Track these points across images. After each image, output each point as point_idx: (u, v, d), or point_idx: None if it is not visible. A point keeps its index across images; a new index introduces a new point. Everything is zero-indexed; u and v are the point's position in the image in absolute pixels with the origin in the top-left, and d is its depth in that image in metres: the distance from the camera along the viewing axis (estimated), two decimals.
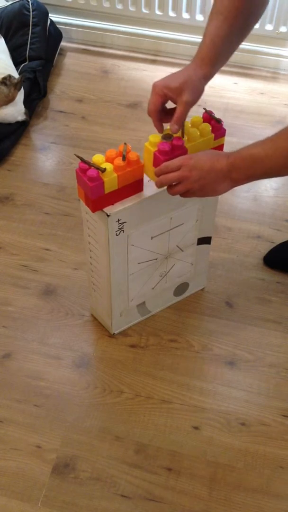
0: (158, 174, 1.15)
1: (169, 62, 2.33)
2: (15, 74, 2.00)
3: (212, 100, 2.14)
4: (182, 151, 1.16)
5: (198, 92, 1.16)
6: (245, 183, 1.13)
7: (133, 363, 1.46)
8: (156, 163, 1.16)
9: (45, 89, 2.14)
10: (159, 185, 1.16)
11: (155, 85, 1.15)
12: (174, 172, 1.13)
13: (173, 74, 1.16)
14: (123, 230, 1.24)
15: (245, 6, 1.15)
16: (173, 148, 1.15)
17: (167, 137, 1.16)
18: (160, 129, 1.18)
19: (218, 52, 1.16)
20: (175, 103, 1.15)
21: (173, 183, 1.15)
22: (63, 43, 2.37)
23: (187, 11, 2.22)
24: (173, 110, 1.16)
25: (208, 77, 1.17)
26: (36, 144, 2.02)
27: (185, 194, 1.16)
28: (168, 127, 1.16)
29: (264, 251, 1.68)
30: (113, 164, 1.14)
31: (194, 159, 1.12)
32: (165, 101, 1.17)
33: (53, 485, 1.26)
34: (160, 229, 1.32)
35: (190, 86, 1.13)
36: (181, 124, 1.16)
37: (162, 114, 1.18)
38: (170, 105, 1.18)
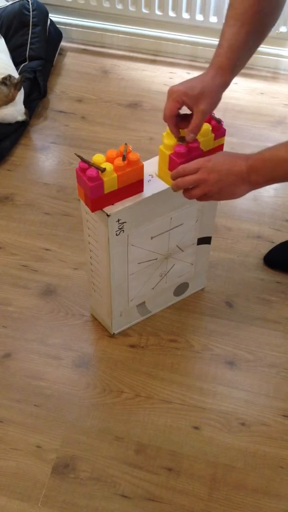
0: (174, 177, 1.12)
1: (169, 62, 2.33)
2: (15, 74, 2.00)
3: None
4: (198, 152, 1.13)
5: (215, 101, 1.13)
6: (264, 186, 1.10)
7: (133, 363, 1.46)
8: (172, 166, 1.13)
9: (45, 89, 2.14)
10: (175, 188, 1.13)
11: (173, 91, 1.12)
12: (191, 175, 1.09)
13: (191, 81, 1.13)
14: (123, 230, 1.24)
15: (263, 10, 1.12)
16: (189, 150, 1.12)
17: (182, 139, 1.14)
18: (177, 134, 1.15)
19: (236, 59, 1.13)
20: (191, 110, 1.13)
21: (190, 186, 1.11)
22: (63, 43, 2.37)
23: (187, 11, 2.22)
24: (188, 116, 1.14)
25: (226, 84, 1.14)
26: (36, 144, 2.02)
27: (202, 197, 1.12)
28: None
29: (264, 251, 1.68)
30: (113, 164, 1.14)
31: (212, 161, 1.09)
32: (181, 107, 1.14)
33: (53, 485, 1.26)
34: (160, 229, 1.32)
35: (208, 95, 1.11)
36: (197, 133, 1.14)
37: (177, 120, 1.15)
38: (183, 110, 1.15)
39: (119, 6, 2.28)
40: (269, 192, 1.86)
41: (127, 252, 1.30)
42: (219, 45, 1.13)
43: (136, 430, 1.34)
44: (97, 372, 1.44)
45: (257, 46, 1.17)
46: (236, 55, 1.12)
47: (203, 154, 1.16)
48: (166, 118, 1.14)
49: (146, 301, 1.49)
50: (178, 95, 1.11)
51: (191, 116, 1.13)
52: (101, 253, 1.30)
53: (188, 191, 1.12)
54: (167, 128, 1.21)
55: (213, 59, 1.14)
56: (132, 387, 1.42)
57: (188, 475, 1.28)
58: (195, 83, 1.12)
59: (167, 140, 1.13)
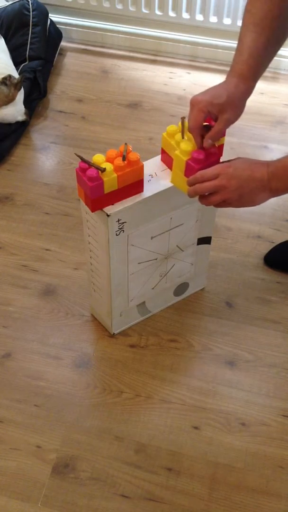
0: (192, 183, 1.09)
1: (169, 62, 2.33)
2: (15, 74, 2.00)
3: None
4: (216, 158, 1.11)
5: (240, 110, 1.12)
6: (283, 194, 1.08)
7: (133, 363, 1.46)
8: (189, 172, 1.10)
9: (45, 89, 2.14)
10: (192, 194, 1.10)
11: (197, 101, 1.10)
12: (211, 181, 1.07)
13: (214, 89, 1.11)
14: (123, 230, 1.24)
15: (282, 15, 1.10)
16: (207, 155, 1.09)
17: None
18: (200, 144, 1.13)
19: (257, 66, 1.12)
20: (216, 120, 1.11)
21: (208, 193, 1.09)
22: (63, 43, 2.37)
23: (187, 11, 2.22)
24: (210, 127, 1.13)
25: (249, 92, 1.13)
26: (36, 144, 2.02)
27: (220, 204, 1.10)
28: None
29: (264, 251, 1.68)
30: (113, 164, 1.14)
31: (232, 167, 1.07)
32: (206, 117, 1.12)
33: (53, 485, 1.26)
34: (160, 229, 1.32)
35: (233, 104, 1.10)
36: (217, 140, 1.13)
37: (203, 130, 1.13)
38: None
39: (119, 6, 2.28)
40: None
41: (127, 252, 1.30)
42: (239, 52, 1.12)
43: (136, 430, 1.34)
44: (97, 372, 1.44)
45: (277, 51, 1.16)
46: (256, 62, 1.11)
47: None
48: (192, 129, 1.12)
49: (146, 301, 1.49)
50: (204, 105, 1.09)
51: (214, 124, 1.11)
52: (101, 253, 1.30)
53: (205, 197, 1.10)
54: (168, 128, 1.21)
55: (233, 66, 1.12)
56: (132, 387, 1.42)
57: (188, 475, 1.28)
58: (219, 92, 1.10)
59: (184, 145, 1.10)
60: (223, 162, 1.11)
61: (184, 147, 1.11)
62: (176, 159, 1.13)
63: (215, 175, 1.07)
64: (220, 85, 1.12)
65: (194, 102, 1.10)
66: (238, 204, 1.10)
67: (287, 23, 1.13)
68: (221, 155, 1.27)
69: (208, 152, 1.10)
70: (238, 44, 1.12)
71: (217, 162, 1.11)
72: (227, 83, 1.12)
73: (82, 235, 1.37)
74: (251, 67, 1.11)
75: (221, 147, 1.26)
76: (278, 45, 1.15)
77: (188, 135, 1.19)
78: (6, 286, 1.62)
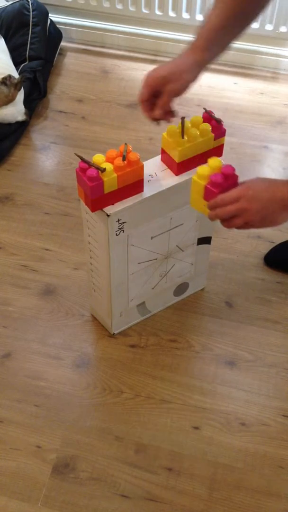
0: (213, 207, 1.08)
1: None
2: (15, 74, 2.00)
3: (212, 100, 2.14)
4: (234, 179, 1.10)
5: (186, 81, 1.14)
6: None
7: (133, 363, 1.46)
8: (209, 196, 1.09)
9: (45, 89, 2.14)
10: (214, 218, 1.10)
11: (145, 77, 1.16)
12: (232, 205, 1.06)
13: (163, 64, 1.16)
14: (123, 230, 1.24)
15: None
16: (225, 178, 1.08)
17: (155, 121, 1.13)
18: (150, 118, 1.17)
19: (212, 38, 1.14)
20: (162, 92, 1.15)
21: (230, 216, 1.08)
22: (63, 43, 2.37)
23: (187, 11, 2.22)
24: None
25: (200, 63, 1.15)
26: (36, 144, 2.02)
27: (243, 226, 1.09)
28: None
29: (264, 251, 1.68)
30: (113, 164, 1.14)
31: (252, 189, 1.06)
32: (155, 91, 1.15)
33: (53, 485, 1.26)
34: (160, 229, 1.32)
35: (177, 75, 1.13)
36: (169, 115, 1.16)
37: (150, 104, 1.16)
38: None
39: (119, 6, 2.28)
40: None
41: (127, 252, 1.30)
42: (201, 26, 1.15)
43: (136, 430, 1.34)
44: (97, 372, 1.44)
45: (241, 30, 1.17)
46: (215, 35, 1.13)
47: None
48: (138, 102, 1.17)
49: (146, 301, 1.49)
50: (149, 80, 1.14)
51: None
52: (101, 253, 1.30)
53: (227, 220, 1.09)
54: (168, 128, 1.21)
55: (193, 39, 1.15)
56: (132, 387, 1.42)
57: (188, 475, 1.28)
58: (166, 65, 1.14)
59: (201, 170, 1.09)
60: (241, 183, 1.10)
61: (201, 171, 1.09)
62: (194, 184, 1.11)
63: (235, 199, 1.06)
64: (173, 59, 1.16)
65: (143, 78, 1.15)
66: (260, 226, 1.09)
67: (252, 4, 1.15)
68: (221, 154, 1.28)
69: (226, 174, 1.09)
70: (204, 19, 1.15)
71: (236, 183, 1.10)
72: (179, 55, 1.15)
73: (82, 235, 1.37)
74: (206, 39, 1.13)
75: (221, 147, 1.26)
76: (242, 23, 1.16)
77: (187, 135, 1.19)
78: (6, 286, 1.62)
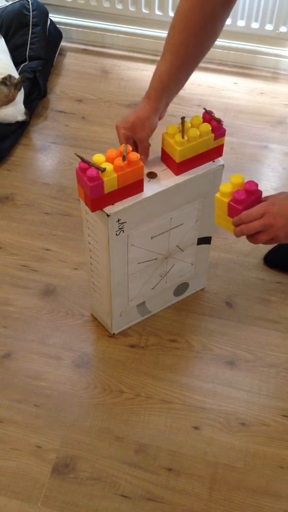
0: (237, 224, 1.10)
1: None
2: (15, 74, 2.00)
3: (212, 100, 2.14)
4: (257, 195, 1.11)
5: (148, 127, 1.21)
6: None
7: (133, 363, 1.46)
8: (233, 213, 1.10)
9: (45, 89, 2.14)
10: (239, 235, 1.11)
11: (116, 127, 1.23)
12: (256, 221, 1.07)
13: (127, 115, 1.23)
14: (123, 230, 1.24)
15: (197, 43, 1.19)
16: (248, 194, 1.09)
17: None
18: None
19: (164, 89, 1.21)
20: (134, 140, 1.23)
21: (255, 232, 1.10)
22: (63, 43, 2.37)
23: None
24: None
25: (155, 111, 1.22)
26: (36, 144, 2.02)
27: (269, 241, 1.11)
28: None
29: (264, 251, 1.68)
30: (113, 164, 1.14)
31: (276, 205, 1.08)
32: (128, 138, 1.22)
33: (53, 485, 1.26)
34: (160, 229, 1.32)
35: (139, 124, 1.20)
36: (147, 155, 1.24)
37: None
38: None
39: (119, 6, 2.28)
40: (269, 192, 1.85)
41: (127, 252, 1.30)
42: (152, 76, 1.22)
43: (136, 430, 1.34)
44: (97, 372, 1.44)
45: (189, 75, 1.25)
46: (164, 86, 1.21)
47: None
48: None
49: (146, 301, 1.49)
50: (121, 131, 1.22)
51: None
52: (101, 253, 1.30)
53: (253, 236, 1.11)
54: (168, 128, 1.21)
55: (147, 89, 1.24)
56: (132, 387, 1.42)
57: (188, 475, 1.28)
58: (129, 116, 1.23)
59: (224, 187, 1.10)
60: (264, 198, 1.12)
61: (224, 189, 1.10)
62: (218, 201, 1.12)
63: (260, 215, 1.07)
64: (134, 109, 1.24)
65: (116, 129, 1.24)
66: (286, 240, 1.10)
67: (201, 51, 1.22)
68: (221, 154, 1.28)
69: (248, 190, 1.09)
70: (155, 69, 1.22)
71: (259, 198, 1.11)
72: (137, 106, 1.24)
73: (82, 235, 1.37)
74: (157, 90, 1.21)
75: (221, 147, 1.26)
76: (190, 70, 1.24)
77: (187, 135, 1.19)
78: (6, 286, 1.62)
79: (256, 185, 1.10)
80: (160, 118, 1.25)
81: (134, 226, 1.25)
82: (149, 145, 1.24)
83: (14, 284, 1.62)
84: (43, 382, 1.42)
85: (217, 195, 1.11)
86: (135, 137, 1.22)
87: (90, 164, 1.13)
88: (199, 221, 1.39)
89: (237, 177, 1.10)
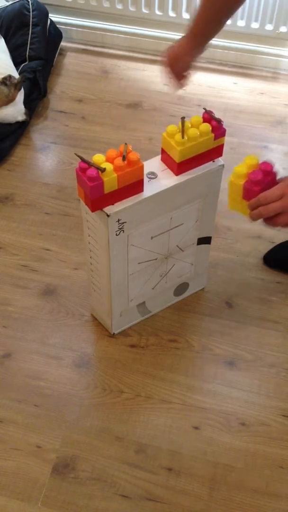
0: (255, 207, 1.06)
1: None
2: (15, 74, 2.00)
3: (212, 100, 2.14)
4: (273, 176, 1.07)
5: (187, 61, 1.36)
6: None
7: (133, 363, 1.46)
8: (249, 195, 1.06)
9: (45, 89, 2.14)
10: (257, 217, 1.07)
11: (163, 56, 1.36)
12: (275, 203, 1.04)
13: (173, 44, 1.36)
14: (123, 230, 1.24)
15: None
16: (264, 174, 1.05)
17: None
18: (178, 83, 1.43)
19: (203, 28, 1.32)
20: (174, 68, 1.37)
21: (273, 214, 1.06)
22: (63, 43, 2.37)
23: (187, 11, 2.22)
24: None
25: (197, 47, 1.35)
26: (36, 144, 2.02)
27: (287, 224, 1.07)
28: None
29: (264, 251, 1.68)
30: (113, 164, 1.14)
31: None
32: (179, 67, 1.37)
33: (53, 485, 1.26)
34: (160, 229, 1.32)
35: (180, 58, 1.34)
36: (183, 85, 1.41)
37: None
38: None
39: (119, 6, 2.28)
40: None
41: (127, 252, 1.30)
42: (194, 13, 1.31)
43: (136, 430, 1.34)
44: (97, 372, 1.44)
45: (227, 20, 1.36)
46: (205, 26, 1.32)
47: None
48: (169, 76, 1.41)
49: (146, 301, 1.49)
50: (164, 60, 1.37)
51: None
52: (101, 253, 1.30)
53: (271, 219, 1.07)
54: (168, 128, 1.21)
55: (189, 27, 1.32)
56: (132, 387, 1.42)
57: (188, 475, 1.28)
58: (174, 48, 1.35)
59: (239, 168, 1.05)
60: (281, 179, 1.08)
61: (239, 170, 1.06)
62: (231, 185, 1.08)
63: (278, 196, 1.04)
64: (178, 41, 1.36)
65: (163, 57, 1.37)
66: None
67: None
68: (221, 154, 1.28)
69: (265, 171, 1.06)
70: (198, 9, 1.31)
71: (275, 180, 1.07)
72: (182, 37, 1.34)
73: (82, 235, 1.37)
74: (198, 24, 1.32)
75: (221, 146, 1.26)
76: (229, 15, 1.34)
77: (187, 135, 1.19)
78: (6, 286, 1.62)
79: (272, 166, 1.06)
80: (200, 53, 1.36)
81: (134, 226, 1.25)
82: (186, 76, 1.40)
83: (14, 284, 1.62)
84: (43, 382, 1.42)
85: (231, 177, 1.07)
86: (173, 71, 1.38)
87: (90, 164, 1.13)
88: (199, 221, 1.39)
89: (251, 158, 1.06)
